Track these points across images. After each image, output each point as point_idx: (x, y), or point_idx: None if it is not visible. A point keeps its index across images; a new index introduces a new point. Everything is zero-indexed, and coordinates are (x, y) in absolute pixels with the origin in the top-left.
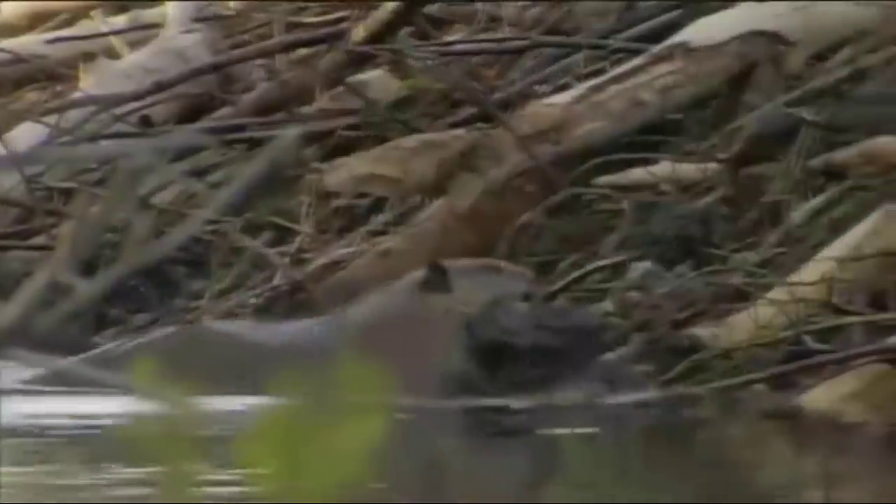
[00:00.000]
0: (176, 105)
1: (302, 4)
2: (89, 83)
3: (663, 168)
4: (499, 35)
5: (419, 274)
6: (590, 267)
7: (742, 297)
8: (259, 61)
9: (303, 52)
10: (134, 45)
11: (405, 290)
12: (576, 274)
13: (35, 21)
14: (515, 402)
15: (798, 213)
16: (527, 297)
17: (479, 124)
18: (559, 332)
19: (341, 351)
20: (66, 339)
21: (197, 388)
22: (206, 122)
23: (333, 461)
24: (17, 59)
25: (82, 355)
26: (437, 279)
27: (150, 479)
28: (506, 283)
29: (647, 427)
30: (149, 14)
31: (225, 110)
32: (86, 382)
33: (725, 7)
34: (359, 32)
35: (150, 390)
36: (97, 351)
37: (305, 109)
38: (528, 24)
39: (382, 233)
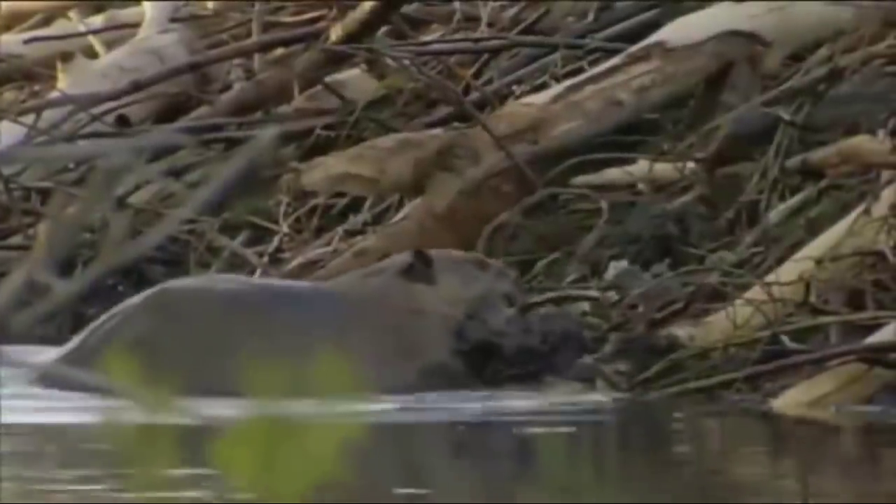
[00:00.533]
0: (153, 105)
1: (279, 4)
2: (66, 83)
3: (640, 168)
4: (476, 35)
5: (402, 259)
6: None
7: (719, 296)
8: (236, 61)
9: (280, 51)
10: (111, 44)
11: (387, 274)
12: (558, 294)
13: (12, 21)
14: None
15: (775, 213)
16: (510, 300)
17: (455, 124)
18: (544, 335)
19: (319, 315)
20: (43, 338)
21: (173, 359)
22: (183, 122)
23: (310, 462)
24: None
25: (58, 352)
26: (421, 269)
27: (128, 477)
28: (490, 280)
29: (624, 426)
30: (126, 14)
31: (202, 110)
32: (63, 381)
33: (702, 7)
34: (336, 32)
35: (127, 388)
36: (69, 347)
37: (282, 109)
38: (505, 24)
39: (359, 232)
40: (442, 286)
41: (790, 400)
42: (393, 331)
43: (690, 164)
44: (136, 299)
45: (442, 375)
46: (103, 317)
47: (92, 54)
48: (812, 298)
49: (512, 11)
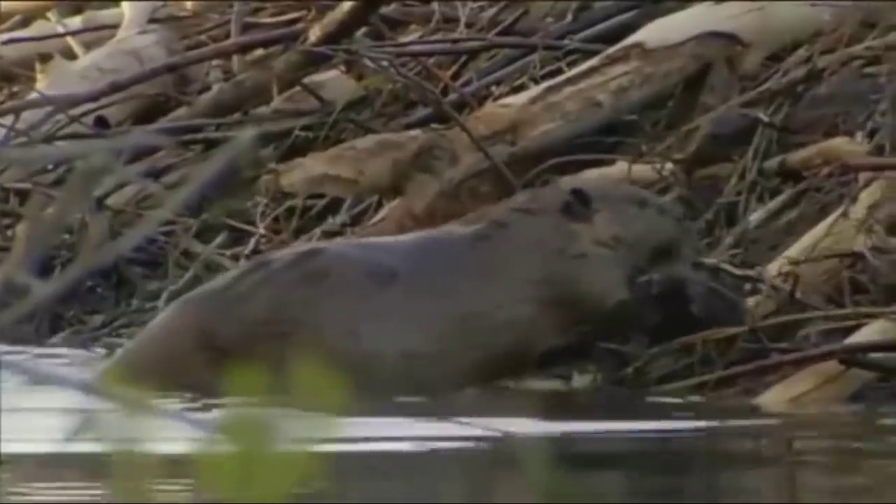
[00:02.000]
0: (132, 106)
1: (258, 5)
2: (45, 84)
3: (619, 169)
4: (455, 35)
5: (556, 196)
6: None
7: None
8: (215, 62)
9: (259, 52)
10: (90, 45)
11: (544, 213)
12: None
13: None
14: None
15: (755, 215)
16: (675, 242)
17: (434, 125)
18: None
19: (463, 264)
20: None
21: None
22: (162, 123)
23: (289, 468)
24: None
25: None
26: (579, 206)
27: (107, 483)
28: (652, 217)
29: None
30: (104, 15)
31: (181, 111)
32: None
33: (681, 8)
34: (315, 33)
35: (112, 392)
36: (210, 288)
37: (261, 110)
38: (483, 25)
39: (338, 233)
40: (598, 224)
41: (771, 398)
42: (550, 280)
43: (669, 165)
44: (285, 255)
45: (602, 330)
46: (249, 264)
47: (70, 55)
48: (797, 294)
49: (490, 12)
